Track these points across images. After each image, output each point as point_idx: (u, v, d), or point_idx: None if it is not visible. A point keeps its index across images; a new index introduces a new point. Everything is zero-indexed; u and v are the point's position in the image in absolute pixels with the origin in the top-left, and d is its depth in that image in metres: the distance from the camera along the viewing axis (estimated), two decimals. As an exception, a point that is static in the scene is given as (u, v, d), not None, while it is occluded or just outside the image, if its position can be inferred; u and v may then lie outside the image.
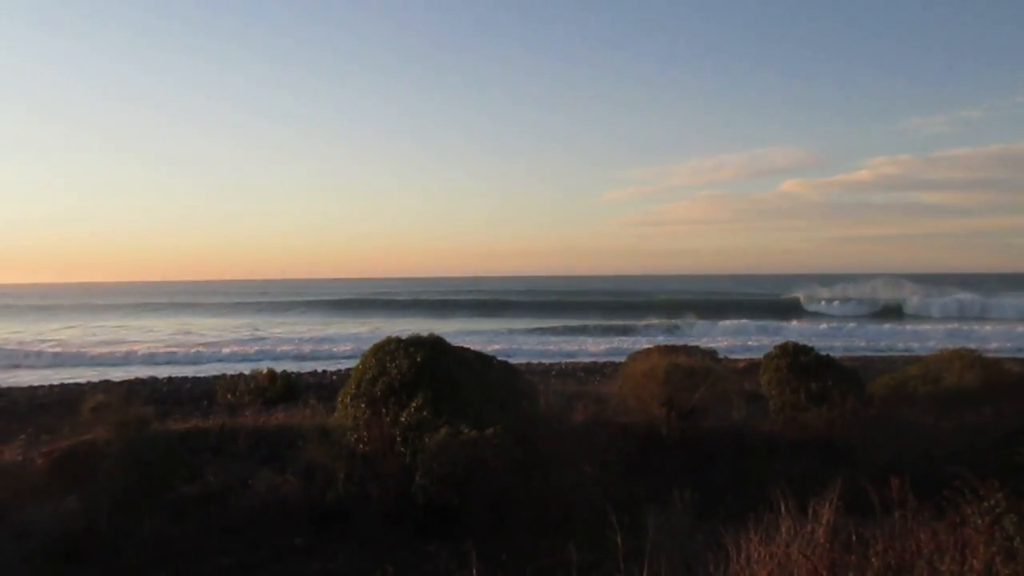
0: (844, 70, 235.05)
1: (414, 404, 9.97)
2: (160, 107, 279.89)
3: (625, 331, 44.81)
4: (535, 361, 28.33)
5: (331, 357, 32.53)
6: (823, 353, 13.85)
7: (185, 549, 8.66)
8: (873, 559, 4.42)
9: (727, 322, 46.67)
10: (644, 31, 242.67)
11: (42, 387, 22.27)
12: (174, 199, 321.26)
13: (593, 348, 35.65)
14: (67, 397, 18.41)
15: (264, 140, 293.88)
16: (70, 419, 13.41)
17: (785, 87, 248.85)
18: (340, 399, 11.14)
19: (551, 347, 36.22)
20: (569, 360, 29.16)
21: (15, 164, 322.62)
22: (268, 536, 8.89)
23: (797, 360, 13.25)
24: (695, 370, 13.06)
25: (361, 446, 9.87)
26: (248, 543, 8.75)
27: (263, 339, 41.34)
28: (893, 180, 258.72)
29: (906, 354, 29.10)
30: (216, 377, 22.17)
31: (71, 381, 24.47)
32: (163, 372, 26.97)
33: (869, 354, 30.36)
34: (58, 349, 37.09)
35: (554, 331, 46.54)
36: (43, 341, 42.04)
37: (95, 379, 24.64)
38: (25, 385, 23.15)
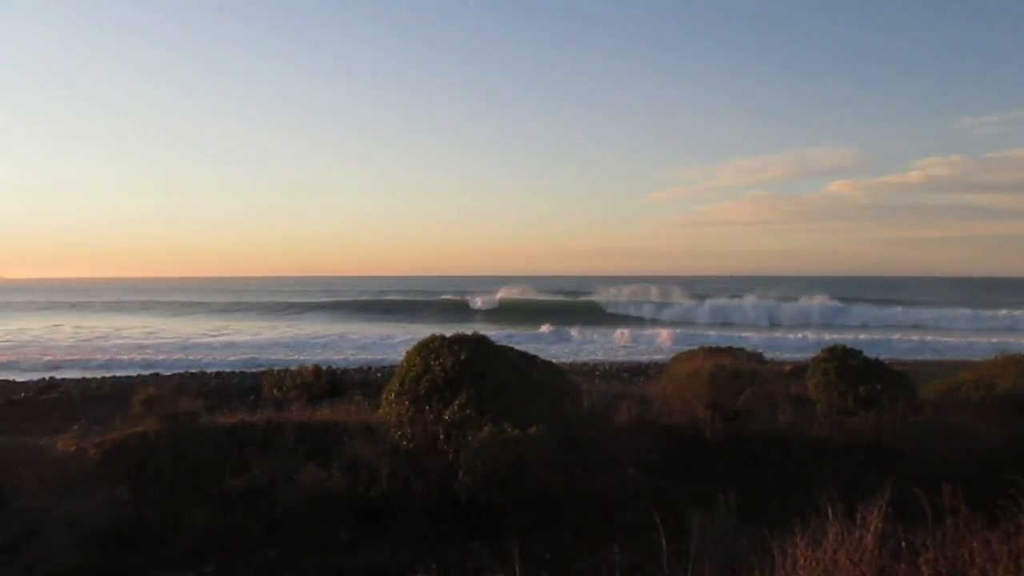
0: (893, 70, 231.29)
1: (457, 402, 10.00)
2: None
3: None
4: (579, 360, 28.25)
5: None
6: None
7: (231, 541, 8.78)
8: (923, 567, 4.33)
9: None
10: (689, 32, 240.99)
11: (94, 379, 22.76)
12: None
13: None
14: (118, 390, 18.79)
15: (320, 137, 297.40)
16: (121, 411, 13.68)
17: (832, 87, 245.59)
18: (384, 396, 11.22)
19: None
20: (613, 360, 29.03)
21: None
22: (313, 530, 8.98)
23: (845, 363, 13.05)
24: (740, 372, 12.91)
25: (405, 443, 9.93)
26: (293, 536, 8.85)
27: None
28: (944, 181, 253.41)
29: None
30: (263, 372, 22.47)
31: (122, 374, 24.98)
32: (210, 367, 27.39)
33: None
34: (102, 342, 37.85)
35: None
36: (92, 336, 43.01)
37: (146, 372, 25.10)
38: (79, 377, 23.68)
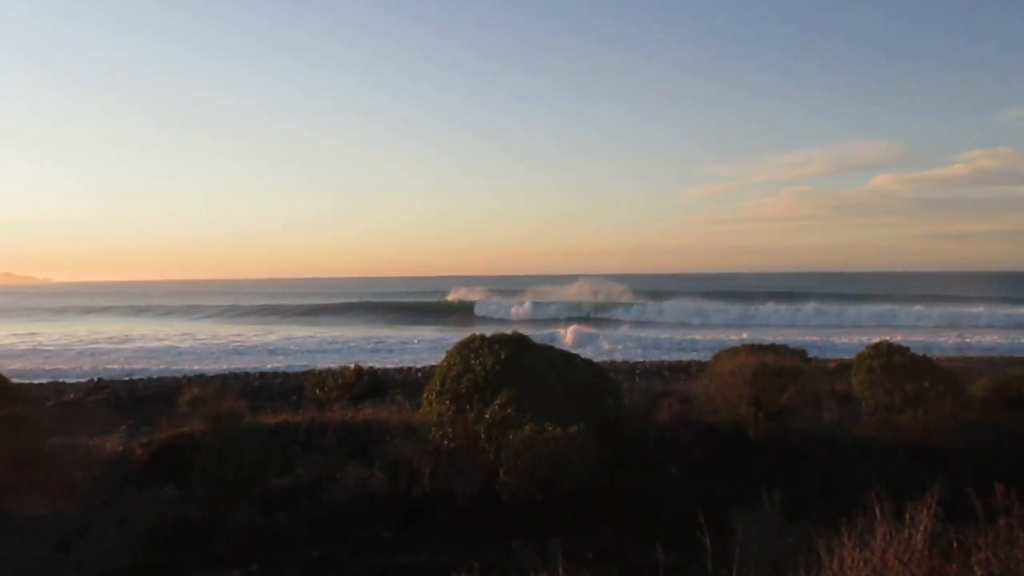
0: (934, 62, 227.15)
1: (498, 401, 10.00)
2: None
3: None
4: (619, 359, 28.13)
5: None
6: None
7: (275, 540, 8.87)
8: (976, 568, 4.24)
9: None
10: (725, 27, 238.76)
11: (141, 381, 23.16)
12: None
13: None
14: (164, 391, 19.07)
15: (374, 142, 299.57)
16: (168, 412, 13.90)
17: (871, 81, 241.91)
18: (425, 395, 11.27)
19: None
20: (653, 359, 28.86)
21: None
22: (355, 529, 9.04)
23: (891, 360, 12.81)
24: (783, 370, 12.76)
25: (446, 442, 9.96)
26: (336, 536, 8.91)
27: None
28: (990, 174, 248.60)
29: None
30: (304, 373, 22.69)
31: (168, 375, 25.39)
32: (253, 368, 27.72)
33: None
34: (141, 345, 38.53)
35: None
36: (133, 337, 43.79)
37: (191, 374, 25.48)
38: (126, 378, 24.11)
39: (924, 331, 43.26)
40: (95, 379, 23.88)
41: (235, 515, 9.43)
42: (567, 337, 37.85)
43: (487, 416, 9.88)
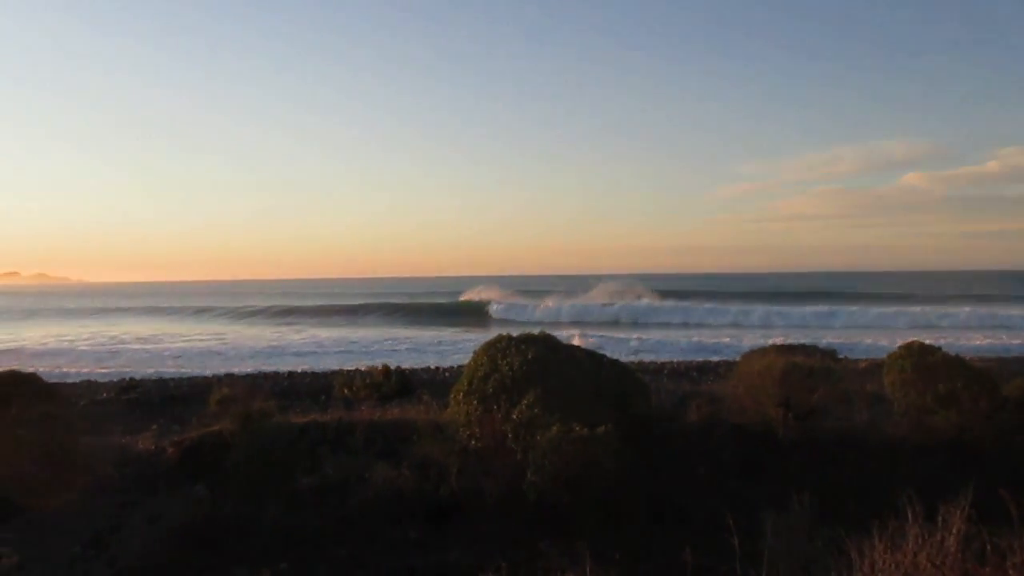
0: (965, 59, 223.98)
1: (525, 401, 10.00)
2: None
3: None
4: (647, 360, 28.01)
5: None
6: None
7: (304, 538, 8.93)
8: (1011, 571, 4.17)
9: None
10: (754, 28, 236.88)
11: (172, 380, 23.39)
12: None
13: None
14: (195, 390, 19.26)
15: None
16: (198, 411, 14.04)
17: (902, 79, 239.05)
18: (453, 396, 11.28)
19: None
20: (682, 359, 28.71)
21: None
22: (383, 528, 9.08)
23: (923, 360, 12.64)
24: (813, 370, 12.64)
25: (473, 442, 9.97)
26: (364, 535, 8.95)
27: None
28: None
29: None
30: (333, 372, 22.81)
31: (198, 374, 25.63)
32: (282, 367, 27.94)
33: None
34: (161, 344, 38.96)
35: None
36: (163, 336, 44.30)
37: (220, 373, 25.71)
38: (156, 378, 24.38)
39: (956, 331, 42.67)
40: (127, 378, 24.16)
41: (264, 514, 9.51)
42: (584, 340, 37.83)
43: (514, 416, 9.87)
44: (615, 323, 54.27)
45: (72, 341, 43.70)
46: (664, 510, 8.84)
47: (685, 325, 51.39)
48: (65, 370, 29.00)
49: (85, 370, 29.19)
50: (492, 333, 12.59)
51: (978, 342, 35.87)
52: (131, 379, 23.74)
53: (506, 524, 8.81)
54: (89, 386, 22.08)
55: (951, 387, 11.79)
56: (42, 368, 22.72)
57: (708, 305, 60.06)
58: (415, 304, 73.51)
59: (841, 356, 21.83)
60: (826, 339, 33.13)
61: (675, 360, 27.91)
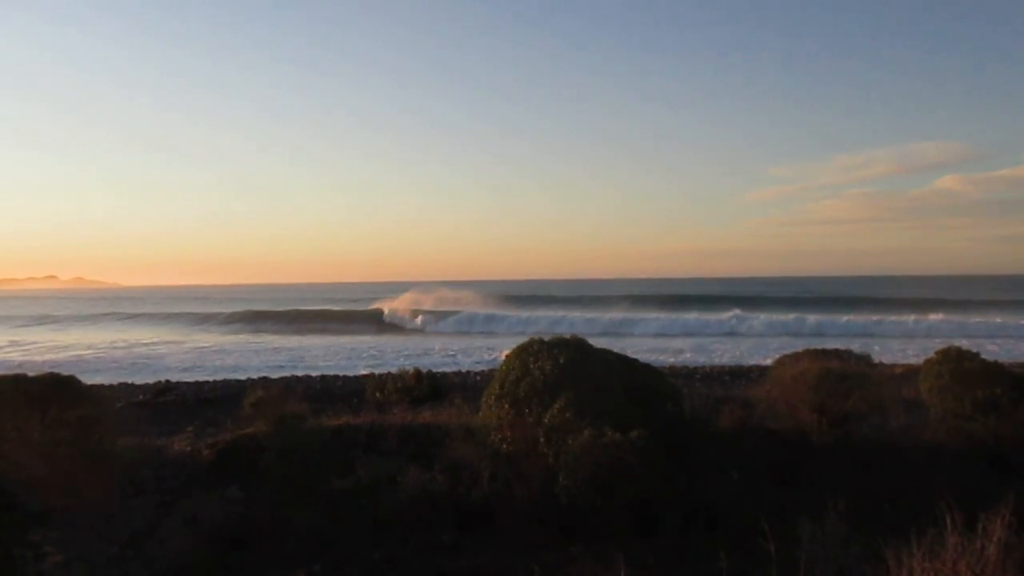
0: (1001, 59, 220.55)
1: (557, 405, 9.99)
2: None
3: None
4: (679, 364, 27.87)
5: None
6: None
7: (338, 540, 9.00)
8: (1052, 581, 4.11)
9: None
10: (787, 31, 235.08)
11: (207, 383, 23.65)
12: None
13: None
14: (229, 393, 19.45)
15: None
16: (232, 413, 14.18)
17: (936, 81, 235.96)
18: (484, 399, 11.30)
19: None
20: (714, 364, 28.54)
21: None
22: (416, 531, 9.12)
23: (961, 366, 12.46)
24: (848, 375, 12.49)
25: (505, 446, 9.98)
26: (397, 538, 9.00)
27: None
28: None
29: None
30: (365, 376, 22.94)
31: (232, 377, 25.89)
32: (315, 370, 28.15)
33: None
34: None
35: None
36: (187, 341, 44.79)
37: (255, 376, 25.95)
38: (192, 381, 24.67)
39: (993, 336, 41.99)
40: (163, 381, 24.47)
41: (298, 516, 9.59)
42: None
43: (546, 420, 9.87)
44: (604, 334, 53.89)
45: (110, 344, 44.39)
46: (697, 515, 8.79)
47: (717, 330, 50.99)
48: (103, 372, 29.47)
49: (122, 372, 29.64)
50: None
51: (1016, 348, 35.28)
52: (167, 381, 24.04)
53: (538, 528, 8.81)
54: (126, 388, 22.39)
55: (990, 393, 11.61)
56: (80, 370, 23.06)
57: (736, 311, 59.27)
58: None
59: (876, 361, 21.54)
60: (860, 344, 32.79)
61: (708, 364, 27.75)
